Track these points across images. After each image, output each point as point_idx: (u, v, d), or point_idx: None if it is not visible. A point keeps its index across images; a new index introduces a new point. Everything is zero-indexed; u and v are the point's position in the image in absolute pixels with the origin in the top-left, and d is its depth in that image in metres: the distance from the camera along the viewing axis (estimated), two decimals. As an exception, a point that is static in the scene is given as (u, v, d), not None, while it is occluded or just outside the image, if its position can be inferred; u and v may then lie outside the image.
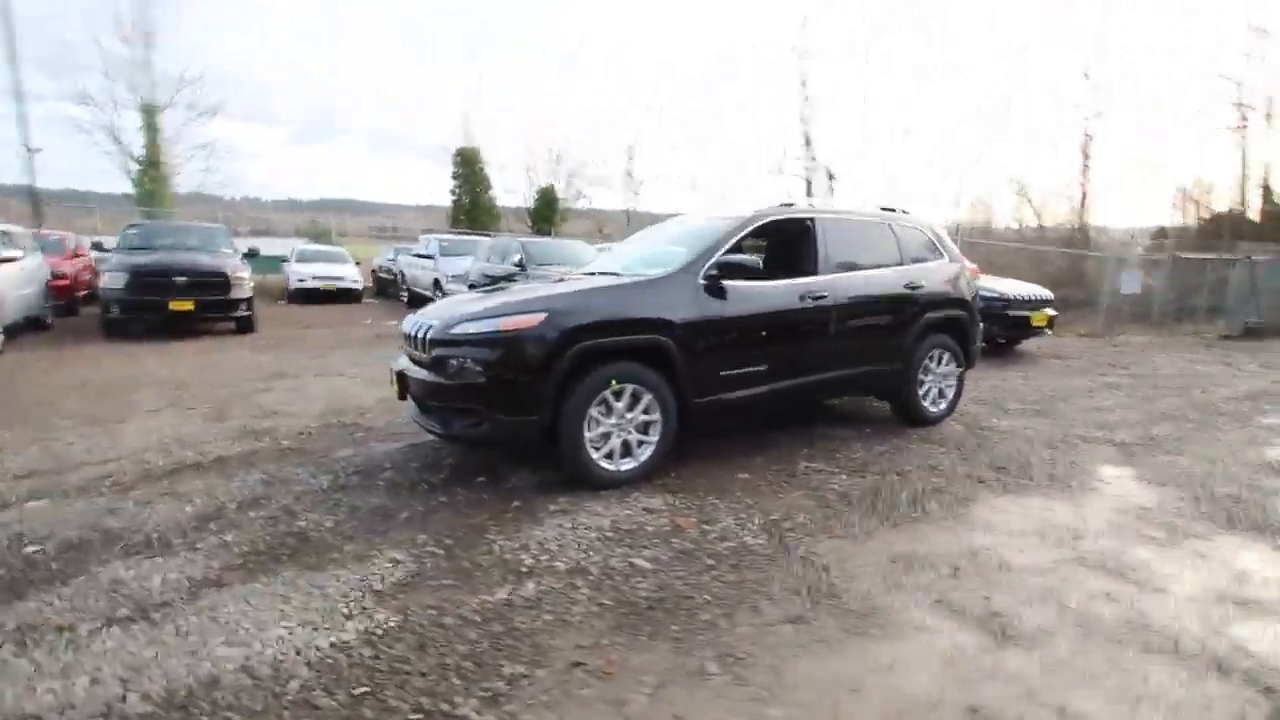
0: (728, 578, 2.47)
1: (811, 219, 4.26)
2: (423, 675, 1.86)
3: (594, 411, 3.27)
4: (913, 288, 4.54)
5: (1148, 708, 1.78)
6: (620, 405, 3.34)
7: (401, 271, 15.49)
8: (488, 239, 14.54)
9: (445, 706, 1.73)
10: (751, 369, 3.77)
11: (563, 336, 3.18)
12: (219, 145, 21.73)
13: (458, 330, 3.25)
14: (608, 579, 2.44)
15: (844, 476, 3.63)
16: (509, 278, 7.76)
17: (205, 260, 9.03)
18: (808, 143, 36.66)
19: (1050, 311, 8.71)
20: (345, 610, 2.19)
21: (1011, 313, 8.25)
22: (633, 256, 4.49)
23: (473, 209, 23.01)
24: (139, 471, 3.53)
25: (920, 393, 4.71)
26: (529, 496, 3.23)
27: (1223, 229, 21.49)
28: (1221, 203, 23.90)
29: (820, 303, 4.04)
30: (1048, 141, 46.93)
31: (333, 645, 1.99)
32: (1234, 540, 2.88)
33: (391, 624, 2.11)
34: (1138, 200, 49.10)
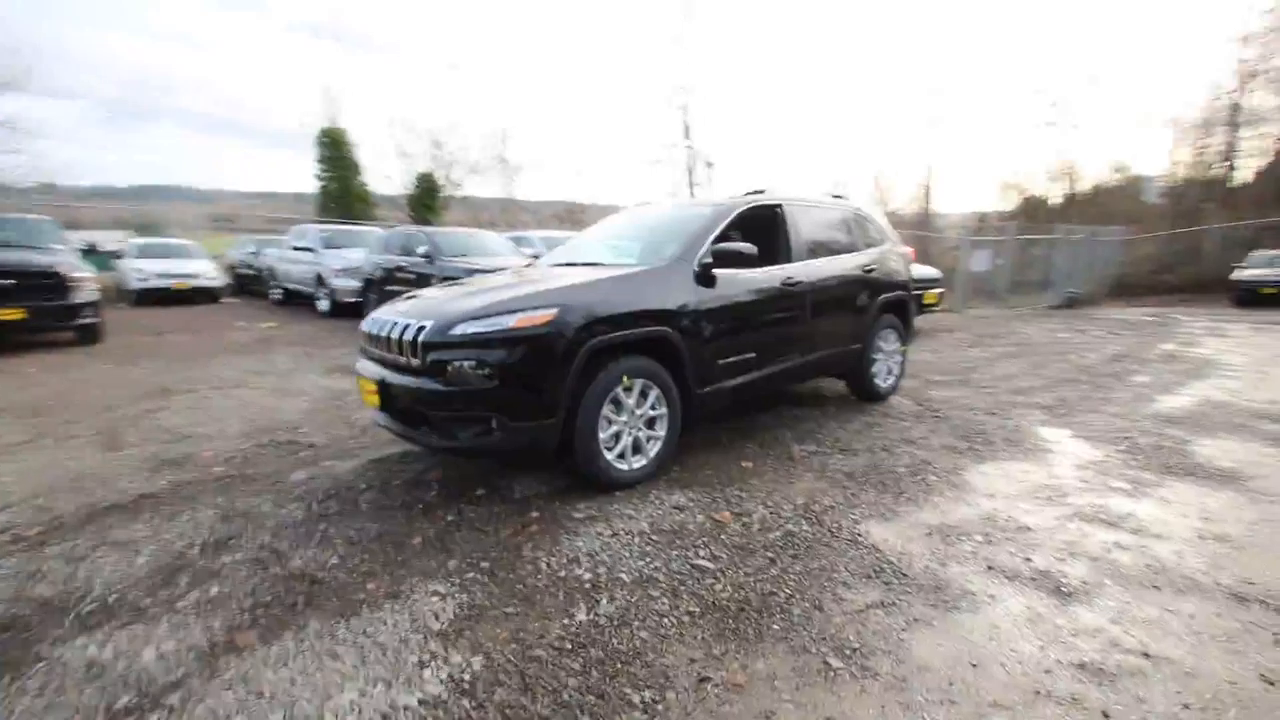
0: (795, 568, 2.45)
1: (781, 206, 4.33)
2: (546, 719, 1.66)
3: (606, 410, 3.11)
4: (868, 271, 4.78)
5: (1208, 642, 2.00)
6: (630, 402, 3.20)
7: (270, 267, 13.87)
8: (379, 229, 13.44)
9: (594, 751, 1.55)
10: (744, 356, 3.77)
11: (577, 332, 2.98)
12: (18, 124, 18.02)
13: (458, 331, 2.92)
14: (680, 584, 2.33)
15: (839, 456, 3.75)
16: (452, 278, 7.19)
17: (36, 259, 7.49)
18: (687, 132, 37.66)
19: (938, 290, 9.63)
20: (415, 659, 1.90)
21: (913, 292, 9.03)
22: (606, 247, 4.31)
23: (343, 196, 21.04)
24: (45, 520, 2.84)
25: (873, 370, 4.99)
26: (544, 506, 3.01)
27: (1037, 212, 25.47)
28: (1034, 189, 27.92)
29: (798, 288, 4.13)
30: (897, 136, 51.93)
31: (423, 702, 1.72)
32: (1181, 484, 3.33)
33: (477, 666, 1.86)
34: (968, 187, 55.83)
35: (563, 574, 2.39)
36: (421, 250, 9.07)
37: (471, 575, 2.38)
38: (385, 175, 27.03)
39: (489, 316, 2.95)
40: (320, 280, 11.46)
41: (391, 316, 3.23)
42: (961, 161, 50.06)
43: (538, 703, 1.72)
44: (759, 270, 3.97)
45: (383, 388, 3.11)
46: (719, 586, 2.32)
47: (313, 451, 3.86)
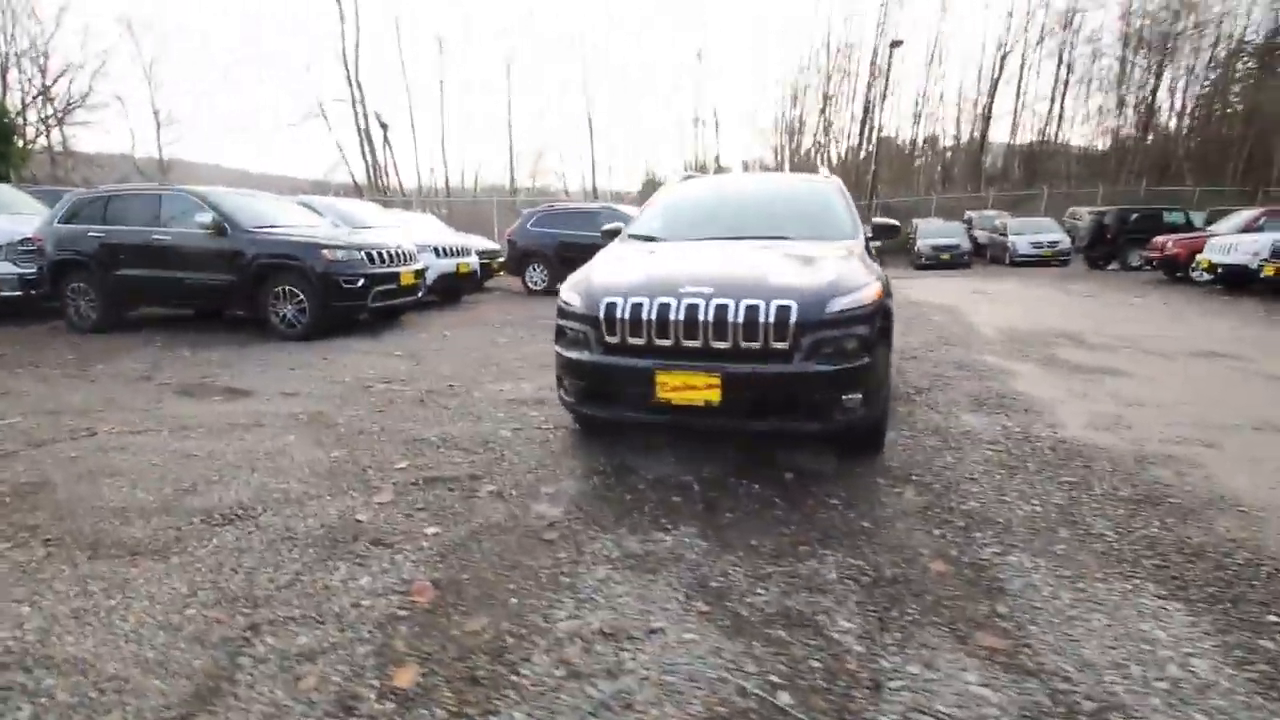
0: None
1: (840, 187, 4.79)
2: None
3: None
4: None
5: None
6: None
7: None
8: (80, 190, 9.06)
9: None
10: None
11: (885, 307, 3.02)
12: None
13: (834, 308, 2.68)
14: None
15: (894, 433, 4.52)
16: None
17: None
18: (356, 84, 33.05)
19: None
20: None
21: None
22: (733, 221, 4.05)
23: None
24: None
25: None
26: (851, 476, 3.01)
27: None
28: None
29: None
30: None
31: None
32: (1099, 372, 5.06)
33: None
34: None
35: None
36: (206, 219, 6.55)
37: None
38: None
39: (850, 292, 2.79)
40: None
41: (708, 295, 2.69)
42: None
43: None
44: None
45: (729, 380, 2.64)
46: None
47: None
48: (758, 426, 2.80)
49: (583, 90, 46.16)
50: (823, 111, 37.65)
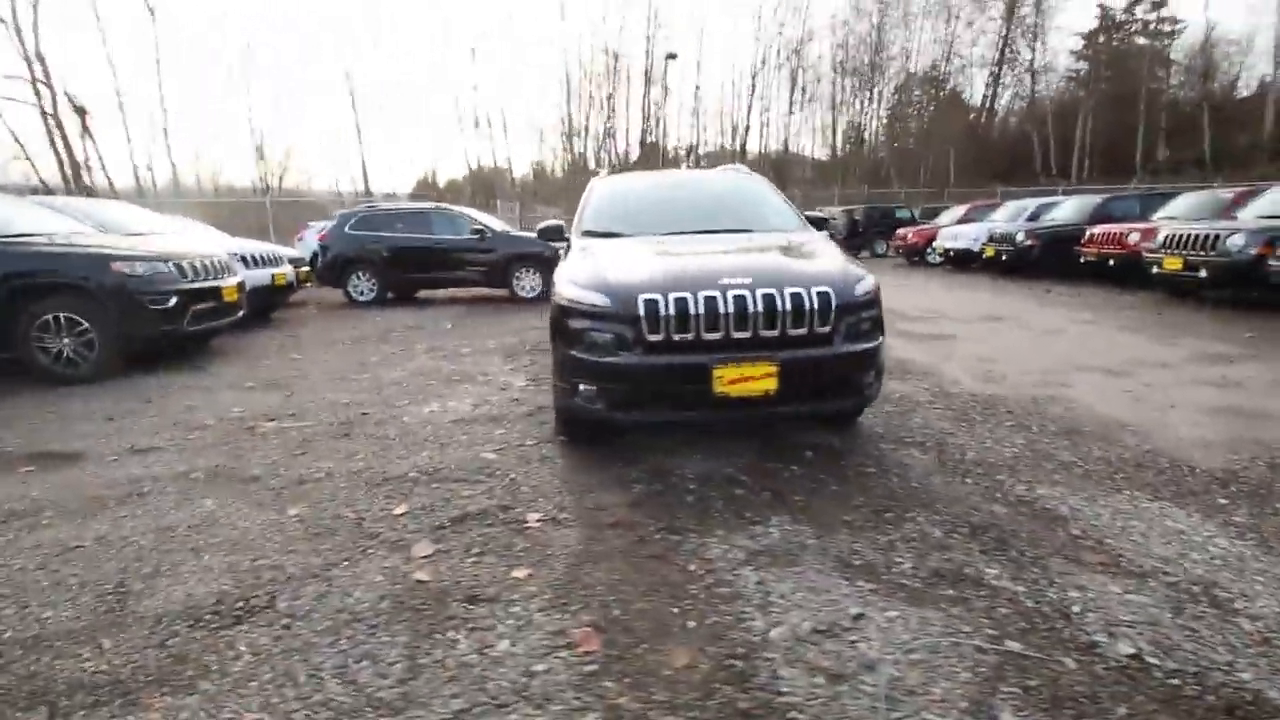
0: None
1: (761, 179, 5.02)
2: None
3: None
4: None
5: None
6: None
7: None
8: None
9: None
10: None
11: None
12: None
13: (859, 292, 2.88)
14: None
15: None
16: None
17: None
18: (38, 59, 25.86)
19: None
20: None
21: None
22: (689, 214, 4.00)
23: None
24: None
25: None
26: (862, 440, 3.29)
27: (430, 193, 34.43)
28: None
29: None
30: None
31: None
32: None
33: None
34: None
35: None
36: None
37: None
38: None
39: (865, 277, 3.00)
40: None
41: (710, 290, 2.69)
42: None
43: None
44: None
45: (786, 367, 2.68)
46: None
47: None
48: (804, 410, 2.90)
49: (347, 83, 41.77)
50: (607, 121, 39.31)
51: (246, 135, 39.18)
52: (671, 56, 24.71)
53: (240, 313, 6.45)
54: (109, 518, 2.66)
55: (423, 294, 11.05)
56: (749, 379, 2.68)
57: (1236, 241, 6.92)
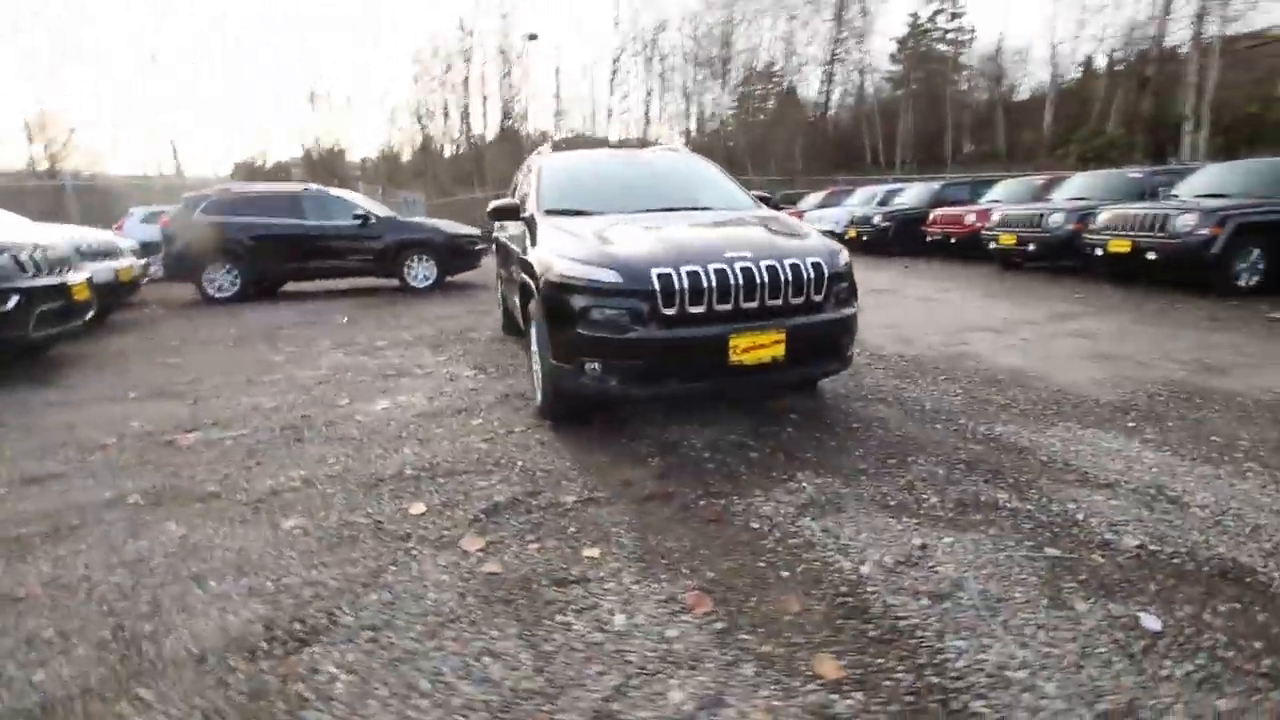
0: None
1: (702, 157, 5.14)
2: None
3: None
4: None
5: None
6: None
7: None
8: None
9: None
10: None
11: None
12: None
13: (842, 261, 3.11)
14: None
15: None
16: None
17: None
18: None
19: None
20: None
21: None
22: (648, 192, 4.00)
23: None
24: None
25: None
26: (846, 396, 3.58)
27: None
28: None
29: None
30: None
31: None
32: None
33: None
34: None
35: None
36: None
37: (965, 428, 3.18)
38: None
39: (842, 249, 3.23)
40: None
41: (718, 263, 2.79)
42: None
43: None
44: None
45: (792, 333, 2.83)
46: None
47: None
48: (802, 375, 3.09)
49: (149, 52, 35.81)
50: (462, 103, 37.65)
51: (13, 108, 32.50)
52: (533, 37, 24.28)
53: (90, 313, 5.47)
54: (47, 558, 2.20)
55: (290, 287, 9.98)
56: (760, 346, 2.81)
57: (1057, 219, 8.28)
